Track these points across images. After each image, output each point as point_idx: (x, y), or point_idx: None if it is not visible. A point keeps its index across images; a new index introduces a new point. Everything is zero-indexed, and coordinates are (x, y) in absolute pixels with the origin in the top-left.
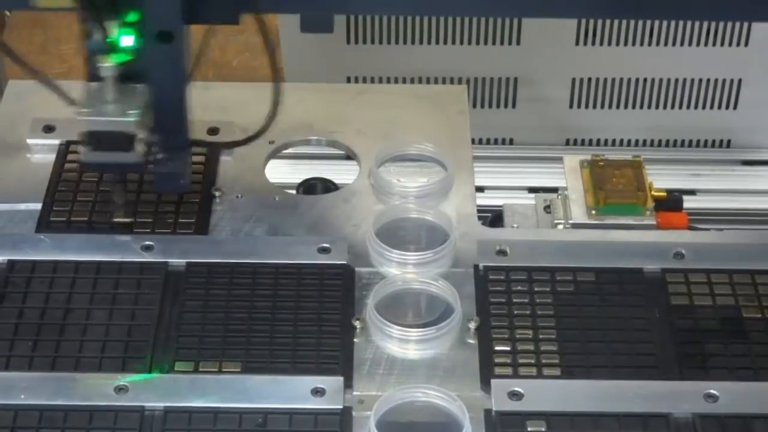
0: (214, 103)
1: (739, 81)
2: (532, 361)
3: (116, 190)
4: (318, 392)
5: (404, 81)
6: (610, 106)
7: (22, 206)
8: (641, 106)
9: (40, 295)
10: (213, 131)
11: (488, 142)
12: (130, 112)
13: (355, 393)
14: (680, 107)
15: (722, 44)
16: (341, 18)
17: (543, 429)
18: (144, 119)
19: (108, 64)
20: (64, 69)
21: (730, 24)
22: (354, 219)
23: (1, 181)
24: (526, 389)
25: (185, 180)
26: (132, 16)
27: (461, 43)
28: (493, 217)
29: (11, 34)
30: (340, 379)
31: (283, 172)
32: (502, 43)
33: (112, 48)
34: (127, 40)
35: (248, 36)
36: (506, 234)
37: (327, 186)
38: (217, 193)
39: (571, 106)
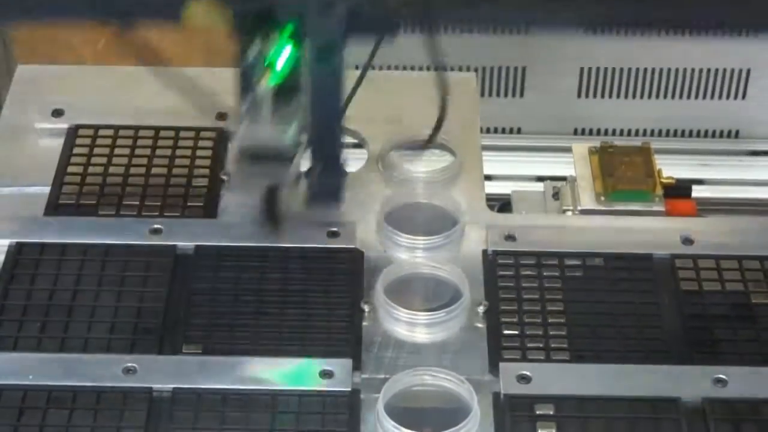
0: (221, 89)
1: (748, 71)
2: (541, 345)
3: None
4: (327, 374)
5: (412, 69)
6: (618, 96)
7: (31, 189)
8: (649, 96)
9: (49, 277)
10: (221, 116)
11: (496, 131)
12: (287, 131)
13: (363, 375)
14: (688, 97)
15: (731, 34)
16: None
17: (551, 412)
18: (300, 138)
19: (264, 84)
20: (73, 57)
21: None
22: (363, 204)
23: (11, 164)
24: (535, 373)
25: (341, 195)
26: (288, 34)
27: (470, 32)
28: (501, 205)
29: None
30: (349, 361)
31: None
32: (510, 32)
33: (269, 67)
34: (284, 57)
35: None
36: (515, 219)
37: None
38: (225, 177)
39: (579, 96)
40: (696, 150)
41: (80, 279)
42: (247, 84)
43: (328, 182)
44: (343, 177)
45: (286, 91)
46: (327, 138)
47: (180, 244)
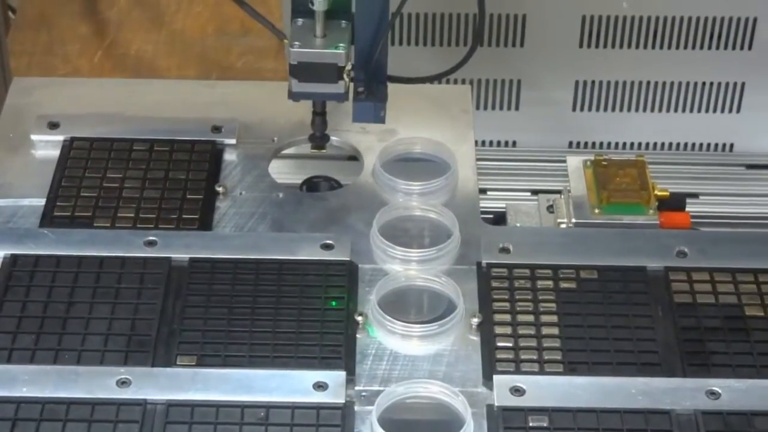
0: (217, 101)
1: (743, 84)
2: (535, 357)
3: (317, 122)
4: (320, 386)
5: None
6: (613, 109)
7: (26, 201)
8: (644, 109)
9: (43, 289)
10: (216, 129)
11: (491, 144)
12: (338, 45)
13: (357, 388)
14: (683, 110)
15: (726, 48)
16: None
17: (545, 424)
18: (348, 53)
19: (321, 2)
20: (69, 69)
21: (734, 27)
22: (357, 216)
23: (6, 176)
24: (529, 385)
25: (383, 113)
26: None
27: (465, 44)
28: (496, 218)
29: (16, 34)
30: (343, 373)
31: (286, 172)
32: (506, 45)
33: None
34: None
35: (252, 39)
36: (509, 232)
37: (330, 184)
38: (220, 190)
39: (574, 109)
40: (691, 163)
41: (75, 291)
42: (298, 5)
43: (372, 100)
44: (386, 98)
45: (336, 12)
46: (372, 58)
47: (174, 256)
